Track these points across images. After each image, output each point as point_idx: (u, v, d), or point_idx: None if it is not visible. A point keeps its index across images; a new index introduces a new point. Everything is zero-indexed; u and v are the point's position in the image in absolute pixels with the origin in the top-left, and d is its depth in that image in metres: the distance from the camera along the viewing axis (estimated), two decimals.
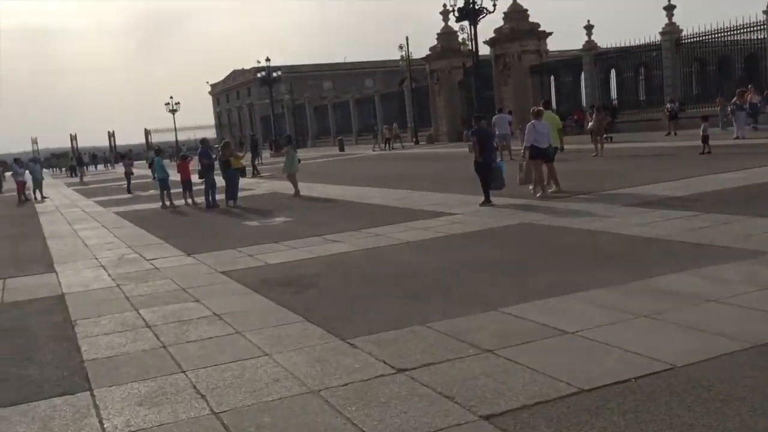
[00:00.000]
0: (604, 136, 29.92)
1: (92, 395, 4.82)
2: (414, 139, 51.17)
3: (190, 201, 19.80)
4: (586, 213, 11.38)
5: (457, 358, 4.88)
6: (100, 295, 8.25)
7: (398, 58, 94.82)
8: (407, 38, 53.22)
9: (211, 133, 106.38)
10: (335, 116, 73.02)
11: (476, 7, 32.52)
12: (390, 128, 48.09)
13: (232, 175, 18.46)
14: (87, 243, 13.30)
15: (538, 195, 13.85)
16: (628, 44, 37.31)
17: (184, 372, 5.10)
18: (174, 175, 20.43)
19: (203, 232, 13.68)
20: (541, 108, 15.31)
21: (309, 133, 78.38)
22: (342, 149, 53.11)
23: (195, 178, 20.14)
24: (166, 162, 21.20)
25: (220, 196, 18.78)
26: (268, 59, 59.56)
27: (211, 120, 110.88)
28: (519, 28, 44.45)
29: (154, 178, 32.10)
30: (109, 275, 9.55)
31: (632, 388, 4.13)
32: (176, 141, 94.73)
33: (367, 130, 66.34)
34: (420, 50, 55.60)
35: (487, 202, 13.21)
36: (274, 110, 73.04)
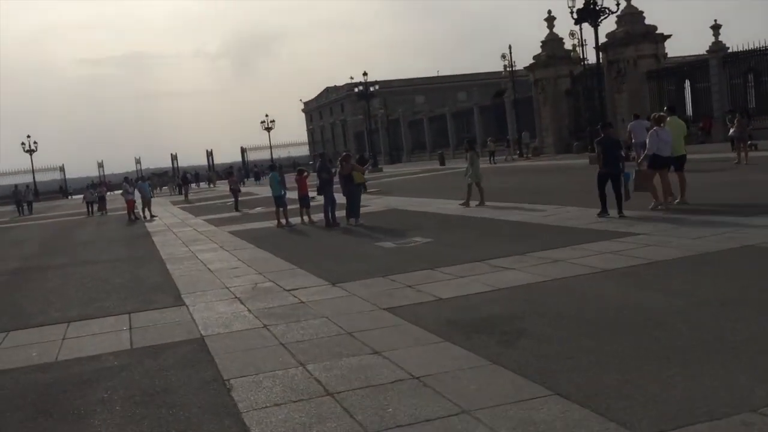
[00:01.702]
0: (749, 143, 27.02)
1: None
2: (518, 152, 48.84)
3: (306, 219, 18.44)
4: None
5: None
6: (247, 340, 6.69)
7: (491, 70, 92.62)
8: (510, 47, 50.81)
9: (304, 150, 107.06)
10: (431, 130, 71.43)
11: (597, 8, 30.11)
12: (495, 140, 45.96)
13: (355, 190, 16.94)
14: (210, 267, 11.98)
15: (650, 207, 13.07)
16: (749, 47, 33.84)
17: None
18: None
19: (335, 255, 12.12)
20: (663, 114, 14.31)
21: (404, 148, 77.16)
22: (443, 163, 51.32)
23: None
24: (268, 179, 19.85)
25: (339, 214, 17.32)
26: (365, 73, 58.72)
27: (304, 137, 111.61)
28: (634, 32, 41.56)
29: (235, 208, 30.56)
30: (249, 311, 8.04)
31: None
32: (271, 158, 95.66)
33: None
34: (516, 62, 53.24)
35: (603, 212, 12.82)
36: (368, 126, 72.25)
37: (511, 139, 51.11)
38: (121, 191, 30.96)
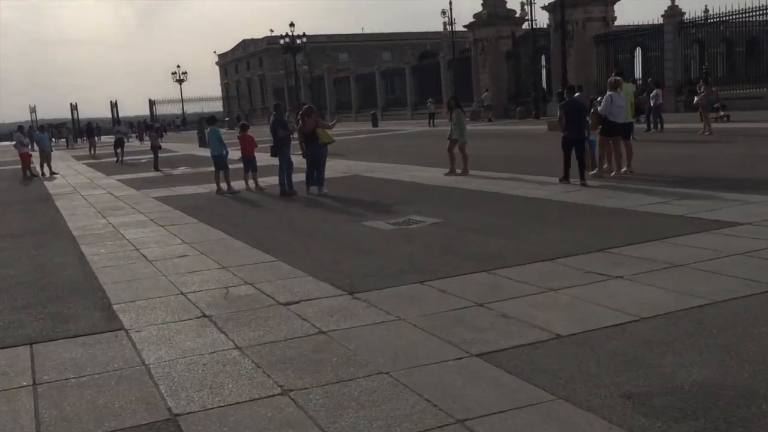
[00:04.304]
0: (721, 114, 25.44)
1: None
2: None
3: (253, 185, 15.12)
4: None
5: None
6: None
7: (417, 31, 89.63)
8: (450, 2, 47.86)
9: (218, 106, 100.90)
10: (358, 89, 67.88)
11: None
12: (435, 102, 43.23)
13: (319, 152, 13.72)
14: (145, 253, 8.61)
15: (612, 174, 12.88)
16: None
17: None
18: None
19: (319, 240, 9.00)
20: (620, 78, 13.72)
21: (327, 107, 73.28)
22: (375, 124, 48.28)
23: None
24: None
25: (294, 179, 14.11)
26: (291, 24, 54.46)
27: (218, 91, 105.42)
28: None
29: (119, 160, 26.38)
30: (237, 348, 4.88)
31: None
32: (183, 112, 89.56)
33: (395, 104, 61.41)
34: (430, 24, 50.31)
35: (565, 179, 12.25)
36: (289, 82, 67.82)
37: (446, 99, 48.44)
38: (13, 143, 26.30)
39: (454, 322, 5.18)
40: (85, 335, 5.43)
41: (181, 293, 6.56)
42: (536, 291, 5.85)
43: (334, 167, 18.60)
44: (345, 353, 4.67)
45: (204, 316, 5.77)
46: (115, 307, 6.20)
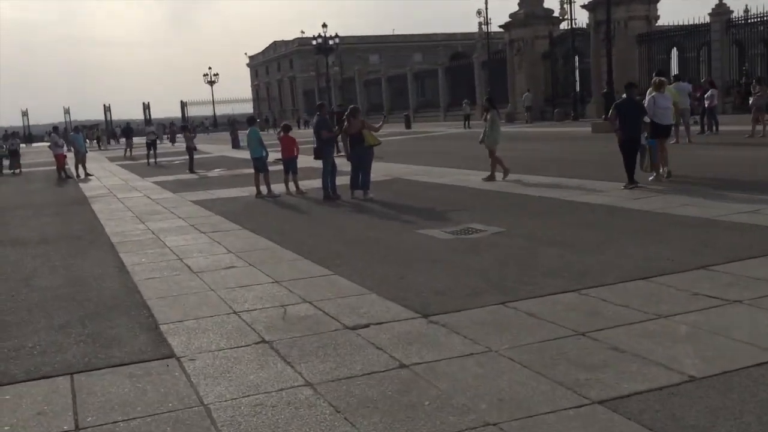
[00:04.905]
0: None
1: None
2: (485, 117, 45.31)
3: (293, 188, 14.49)
4: None
5: None
6: None
7: (447, 32, 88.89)
8: (486, 1, 47.05)
9: (248, 108, 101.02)
10: (389, 91, 67.20)
11: None
12: (470, 104, 42.34)
13: (365, 154, 13.04)
14: (189, 264, 7.98)
15: (650, 178, 12.27)
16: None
17: None
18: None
19: (375, 251, 8.28)
20: (664, 79, 13.55)
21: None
22: (408, 126, 47.54)
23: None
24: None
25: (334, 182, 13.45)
26: (324, 25, 53.85)
27: (248, 93, 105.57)
28: None
29: (150, 162, 25.29)
30: (309, 386, 4.18)
31: None
32: (214, 114, 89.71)
33: (426, 106, 60.66)
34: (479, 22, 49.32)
35: (631, 183, 11.59)
36: (320, 84, 67.37)
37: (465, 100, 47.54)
38: (48, 143, 26.04)
39: (557, 356, 4.43)
40: (132, 363, 4.78)
41: (234, 312, 5.89)
42: (643, 317, 5.07)
43: (374, 170, 17.76)
44: (437, 395, 3.94)
45: (263, 341, 5.09)
46: (162, 327, 5.56)
